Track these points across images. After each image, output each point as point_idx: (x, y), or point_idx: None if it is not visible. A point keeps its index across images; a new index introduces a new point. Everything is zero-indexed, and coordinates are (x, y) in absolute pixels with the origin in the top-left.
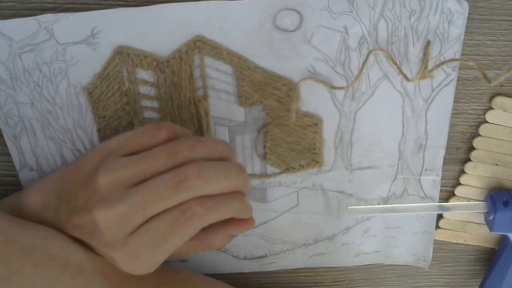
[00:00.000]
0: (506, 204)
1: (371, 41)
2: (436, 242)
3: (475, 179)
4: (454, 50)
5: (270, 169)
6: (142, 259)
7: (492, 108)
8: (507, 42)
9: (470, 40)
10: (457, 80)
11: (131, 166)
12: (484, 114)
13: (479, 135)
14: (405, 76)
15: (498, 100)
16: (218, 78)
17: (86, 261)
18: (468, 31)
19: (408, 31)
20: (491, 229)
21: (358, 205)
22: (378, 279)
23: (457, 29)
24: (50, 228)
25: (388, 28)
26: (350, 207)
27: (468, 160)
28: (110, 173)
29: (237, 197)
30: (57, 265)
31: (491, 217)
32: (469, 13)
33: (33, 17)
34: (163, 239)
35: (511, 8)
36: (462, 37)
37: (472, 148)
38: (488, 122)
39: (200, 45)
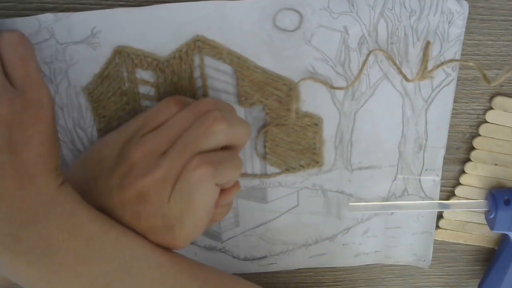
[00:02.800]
0: (507, 202)
1: (371, 41)
2: (436, 242)
3: (475, 179)
4: (454, 50)
5: (270, 169)
6: (186, 219)
7: (492, 108)
8: (507, 42)
9: (470, 40)
10: (457, 80)
11: (162, 134)
12: (484, 114)
13: (479, 135)
14: (404, 76)
15: (498, 100)
16: (218, 78)
17: (129, 242)
18: (468, 31)
19: (408, 31)
20: (491, 228)
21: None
22: (378, 279)
23: (457, 29)
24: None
25: (388, 28)
26: (351, 203)
27: (468, 160)
28: (142, 146)
29: (238, 159)
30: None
31: (492, 216)
32: (469, 13)
33: (33, 16)
34: (189, 198)
35: (511, 8)
36: (462, 37)
37: (472, 148)
38: (488, 122)
39: (200, 45)
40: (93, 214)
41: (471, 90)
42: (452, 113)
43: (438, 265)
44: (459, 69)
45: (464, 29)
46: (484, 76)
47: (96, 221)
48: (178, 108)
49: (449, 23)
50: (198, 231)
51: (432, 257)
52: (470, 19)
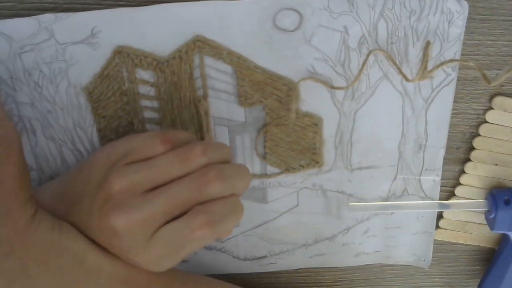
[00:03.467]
0: (507, 202)
1: (371, 41)
2: (436, 242)
3: (475, 179)
4: (454, 50)
5: (270, 169)
6: (163, 260)
7: (492, 108)
8: (507, 42)
9: (470, 40)
10: (457, 80)
11: (145, 171)
12: (484, 114)
13: (479, 135)
14: (404, 76)
15: (498, 100)
16: (218, 78)
17: (106, 265)
18: (468, 31)
19: (408, 31)
20: (492, 228)
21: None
22: (378, 279)
23: (457, 29)
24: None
25: (388, 28)
26: (351, 203)
27: (468, 160)
28: (123, 178)
29: (240, 207)
30: (83, 270)
31: (492, 216)
32: (469, 13)
33: (33, 17)
34: (177, 248)
35: (511, 8)
36: (462, 37)
37: (472, 148)
38: (488, 122)
39: (200, 45)
40: (66, 241)
41: (471, 90)
42: (452, 113)
43: (438, 265)
44: (459, 69)
45: (464, 29)
46: (484, 76)
47: (70, 250)
48: (164, 148)
49: (449, 23)
50: (172, 265)
51: (432, 257)
52: (470, 19)
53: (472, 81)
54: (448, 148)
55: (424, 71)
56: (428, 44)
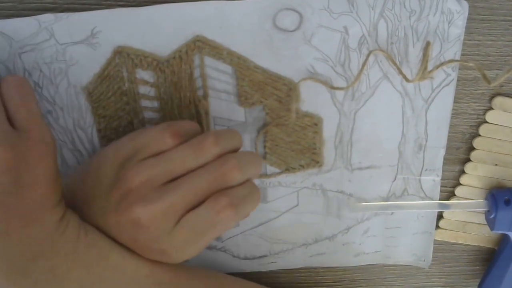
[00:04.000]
0: (507, 203)
1: (371, 41)
2: (436, 242)
3: (475, 179)
4: (454, 50)
5: (270, 169)
6: (189, 247)
7: (492, 108)
8: (507, 42)
9: (470, 40)
10: (457, 80)
11: (161, 165)
12: (484, 114)
13: (479, 135)
14: (405, 76)
15: (498, 100)
16: (218, 78)
17: (130, 261)
18: (468, 31)
19: (408, 31)
20: (492, 228)
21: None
22: (378, 279)
23: (457, 29)
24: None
25: (388, 28)
26: (352, 203)
27: (468, 160)
28: (141, 173)
29: (257, 190)
30: (109, 266)
31: (492, 216)
32: (469, 13)
33: (33, 17)
34: (201, 233)
35: (511, 8)
36: (462, 37)
37: (472, 148)
38: (488, 122)
39: (200, 45)
40: (92, 238)
41: (471, 90)
42: (452, 113)
43: (438, 265)
44: (459, 69)
45: (464, 29)
46: (484, 76)
47: (95, 247)
48: (174, 141)
49: (449, 23)
50: (197, 253)
51: (432, 257)
52: (470, 19)
53: (472, 81)
54: (448, 148)
55: (424, 72)
56: (428, 44)
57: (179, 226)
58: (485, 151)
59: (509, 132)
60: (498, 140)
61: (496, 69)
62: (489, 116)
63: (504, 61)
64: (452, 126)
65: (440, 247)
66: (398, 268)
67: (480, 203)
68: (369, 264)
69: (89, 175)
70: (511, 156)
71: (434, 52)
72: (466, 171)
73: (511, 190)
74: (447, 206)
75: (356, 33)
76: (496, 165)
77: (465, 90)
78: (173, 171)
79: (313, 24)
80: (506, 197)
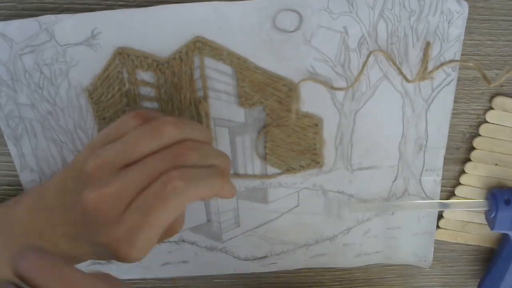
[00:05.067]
0: (507, 202)
1: (371, 41)
2: (436, 242)
3: (475, 179)
4: (454, 50)
5: (271, 169)
6: (135, 238)
7: (492, 108)
8: (507, 42)
9: (470, 40)
10: (457, 80)
11: (116, 147)
12: (484, 114)
13: (479, 135)
14: (405, 77)
15: (498, 100)
16: (218, 79)
17: None
18: (468, 31)
19: (407, 31)
20: (492, 228)
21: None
22: (378, 279)
23: (457, 29)
24: None
25: (388, 28)
26: (353, 203)
27: (468, 160)
28: (97, 157)
29: (221, 174)
30: None
31: (492, 215)
32: (469, 13)
33: (34, 18)
34: (149, 213)
35: (511, 8)
36: (462, 38)
37: (472, 148)
38: (488, 122)
39: (200, 46)
40: None
41: (471, 90)
42: (452, 113)
43: (438, 265)
44: (459, 69)
45: (464, 30)
46: (484, 76)
47: None
48: (136, 122)
49: (448, 23)
50: (148, 247)
51: (433, 257)
52: (470, 19)
53: (472, 81)
54: (448, 148)
55: (424, 72)
56: (428, 44)
57: (127, 210)
58: (485, 151)
59: (510, 132)
60: (498, 140)
61: (496, 69)
62: (489, 116)
63: (504, 61)
64: (452, 126)
65: (440, 247)
66: (398, 268)
67: (480, 202)
68: (369, 264)
69: (70, 165)
70: (511, 156)
71: (434, 52)
72: (466, 171)
73: (511, 190)
74: (447, 206)
75: (356, 33)
76: (496, 164)
77: (465, 90)
78: (130, 154)
79: (313, 24)
80: (506, 197)
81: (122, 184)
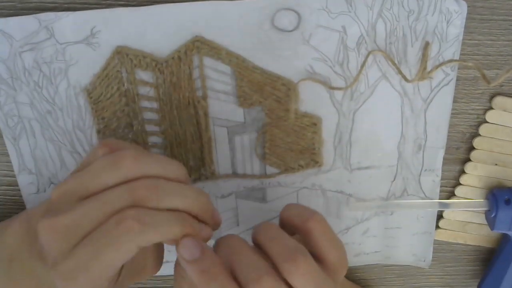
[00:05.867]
0: (508, 202)
1: (370, 41)
2: (436, 242)
3: (475, 179)
4: (452, 50)
5: (270, 169)
6: (77, 276)
7: (492, 108)
8: (507, 42)
9: (469, 40)
10: (457, 80)
11: (78, 177)
12: (484, 114)
13: (479, 135)
14: (404, 77)
15: (498, 100)
16: (217, 78)
17: None
18: (468, 31)
19: (406, 31)
20: (492, 228)
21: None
22: (378, 279)
23: (456, 29)
24: None
25: (387, 28)
26: (351, 203)
27: (468, 160)
28: (60, 187)
29: (183, 219)
30: None
31: (492, 216)
32: (468, 13)
33: (34, 15)
34: (98, 252)
35: (511, 8)
36: (461, 37)
37: (472, 148)
38: (488, 122)
39: (198, 45)
40: None
41: (471, 90)
42: (452, 113)
43: (438, 265)
44: (459, 69)
45: (462, 29)
46: (484, 76)
47: None
48: (102, 151)
49: (447, 23)
50: (98, 282)
51: (432, 257)
52: (470, 19)
53: (472, 81)
54: (448, 148)
55: (423, 72)
56: (427, 44)
57: (78, 245)
58: (485, 151)
59: (510, 132)
60: (498, 140)
61: (496, 68)
62: (489, 116)
63: (504, 60)
64: (452, 126)
65: (440, 247)
66: (398, 268)
67: (480, 202)
68: (368, 264)
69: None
70: (511, 156)
71: (432, 52)
72: (466, 171)
73: (511, 190)
74: (447, 205)
75: (354, 33)
76: (496, 164)
77: (464, 89)
78: (90, 185)
79: (312, 24)
80: (506, 197)
81: (77, 216)
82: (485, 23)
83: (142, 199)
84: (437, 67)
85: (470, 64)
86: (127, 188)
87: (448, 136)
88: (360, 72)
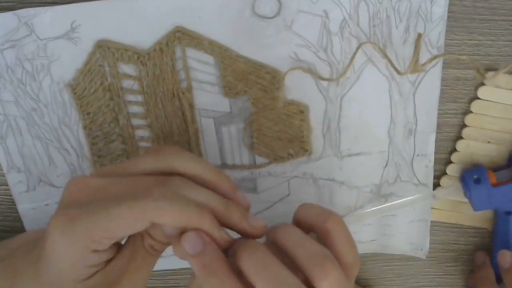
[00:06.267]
0: (477, 181)
1: (353, 24)
2: (436, 242)
3: (467, 157)
4: (438, 30)
5: (259, 159)
6: (77, 225)
7: (484, 84)
8: (507, 42)
9: (470, 40)
10: (448, 62)
11: (120, 163)
12: (476, 90)
13: (471, 112)
14: (396, 69)
15: (490, 75)
16: (201, 69)
17: None
18: (468, 31)
19: (390, 12)
20: (474, 209)
21: (350, 194)
22: (377, 278)
23: (440, 8)
24: None
25: (369, 10)
26: (345, 217)
27: (460, 138)
28: (102, 167)
29: (202, 212)
30: None
31: (469, 197)
32: (469, 13)
33: (12, 11)
34: (110, 204)
35: (511, 8)
36: (446, 17)
37: (463, 126)
38: (480, 99)
39: (180, 36)
40: None
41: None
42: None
43: (438, 265)
44: (445, 47)
45: (447, 8)
46: (478, 71)
47: None
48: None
49: (431, 2)
50: (84, 237)
51: (432, 257)
52: (470, 19)
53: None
54: (440, 127)
55: (416, 64)
56: (419, 36)
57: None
58: (477, 128)
59: (502, 108)
60: (491, 117)
61: (496, 69)
62: (481, 92)
63: (504, 61)
64: (442, 104)
65: (439, 247)
66: (398, 268)
67: (455, 188)
68: (368, 263)
69: None
70: (504, 133)
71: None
72: (457, 149)
73: (479, 168)
74: (432, 197)
75: (336, 16)
76: (488, 142)
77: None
78: (127, 166)
79: (293, 9)
80: (475, 176)
81: (107, 182)
82: (485, 23)
83: (172, 184)
84: (431, 60)
85: (464, 57)
86: (162, 177)
87: (439, 114)
88: (349, 64)
